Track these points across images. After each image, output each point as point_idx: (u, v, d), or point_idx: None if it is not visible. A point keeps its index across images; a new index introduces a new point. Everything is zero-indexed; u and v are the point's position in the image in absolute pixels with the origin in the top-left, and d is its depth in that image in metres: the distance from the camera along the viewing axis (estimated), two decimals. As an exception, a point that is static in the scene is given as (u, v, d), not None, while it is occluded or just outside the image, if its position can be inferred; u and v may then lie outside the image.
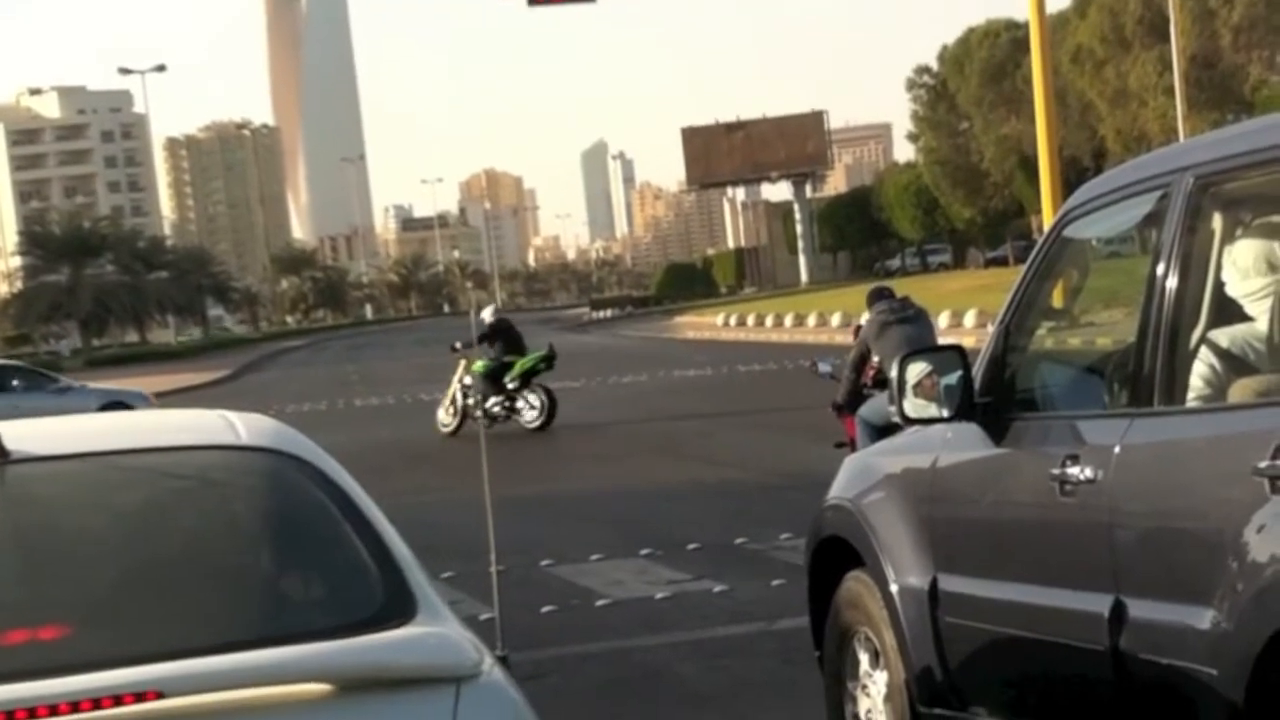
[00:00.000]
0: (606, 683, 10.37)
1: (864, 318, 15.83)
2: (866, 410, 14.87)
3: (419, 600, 4.27)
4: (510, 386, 29.82)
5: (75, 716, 3.69)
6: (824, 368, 16.57)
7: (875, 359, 14.96)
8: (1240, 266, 5.45)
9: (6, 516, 4.50)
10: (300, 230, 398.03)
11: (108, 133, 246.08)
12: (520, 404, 30.03)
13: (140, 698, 3.72)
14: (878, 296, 15.51)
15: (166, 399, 51.56)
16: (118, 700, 3.71)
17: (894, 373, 6.46)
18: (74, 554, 4.39)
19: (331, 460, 4.79)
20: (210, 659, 3.85)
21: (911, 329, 14.67)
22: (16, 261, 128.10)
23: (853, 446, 14.55)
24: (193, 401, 47.43)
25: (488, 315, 32.32)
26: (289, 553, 4.53)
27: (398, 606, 4.22)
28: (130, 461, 4.72)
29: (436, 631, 4.13)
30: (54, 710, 3.68)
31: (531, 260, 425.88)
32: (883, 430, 13.47)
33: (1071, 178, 44.07)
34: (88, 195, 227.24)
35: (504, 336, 30.70)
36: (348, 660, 3.95)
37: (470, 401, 29.63)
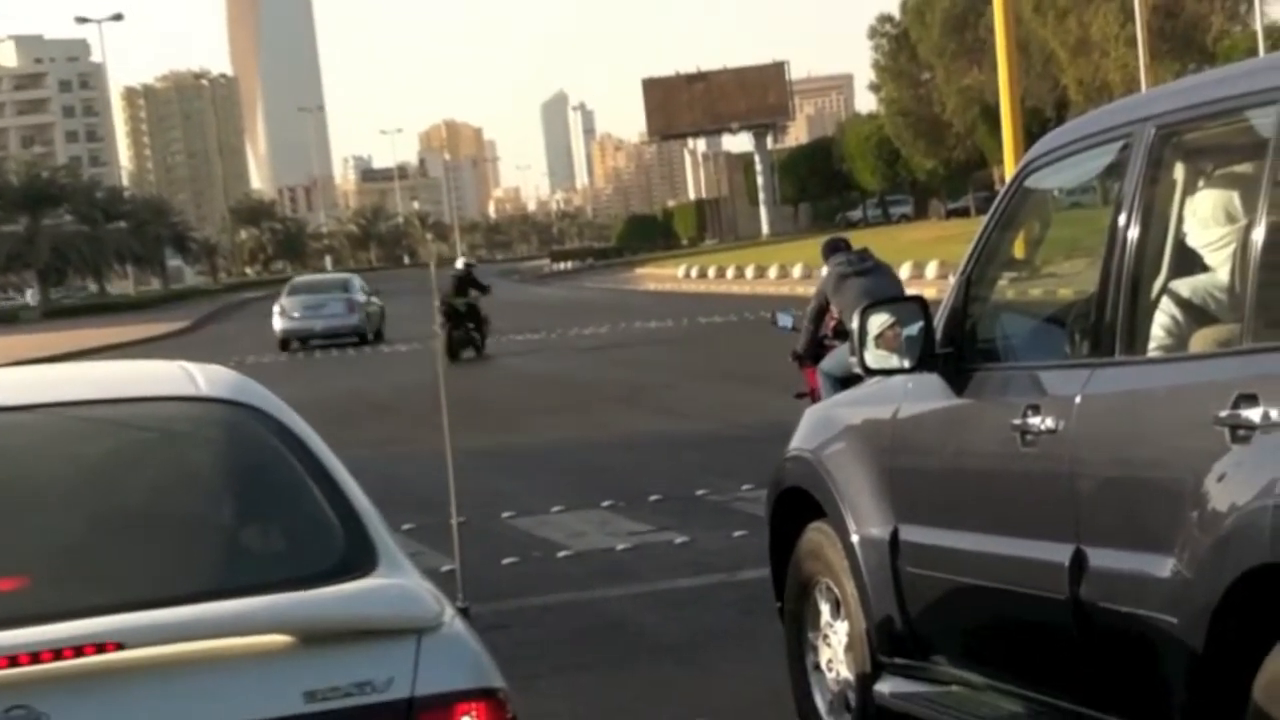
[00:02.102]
0: (568, 633, 10.38)
1: (822, 271, 15.75)
2: (827, 363, 14.81)
3: (379, 552, 4.26)
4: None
5: (35, 667, 3.68)
6: (784, 321, 16.50)
7: (835, 311, 14.92)
8: (1201, 216, 5.45)
9: None
10: (259, 181, 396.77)
11: (65, 82, 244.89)
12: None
13: (100, 648, 3.71)
14: (834, 249, 15.42)
15: (126, 350, 51.36)
16: (78, 651, 3.70)
17: (855, 324, 6.46)
18: (33, 505, 4.37)
19: (291, 412, 4.76)
20: (170, 610, 3.84)
21: (870, 280, 14.56)
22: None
23: (814, 398, 14.50)
24: (153, 353, 47.26)
25: (460, 264, 40.11)
26: (249, 504, 4.52)
27: (358, 558, 4.21)
28: (89, 412, 4.69)
29: (397, 583, 4.12)
30: (13, 661, 3.67)
31: (492, 212, 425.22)
32: (844, 382, 13.28)
33: (1034, 128, 44.09)
34: (45, 145, 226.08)
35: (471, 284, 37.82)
36: (308, 612, 3.95)
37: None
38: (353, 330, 49.74)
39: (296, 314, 49.79)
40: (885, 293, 13.61)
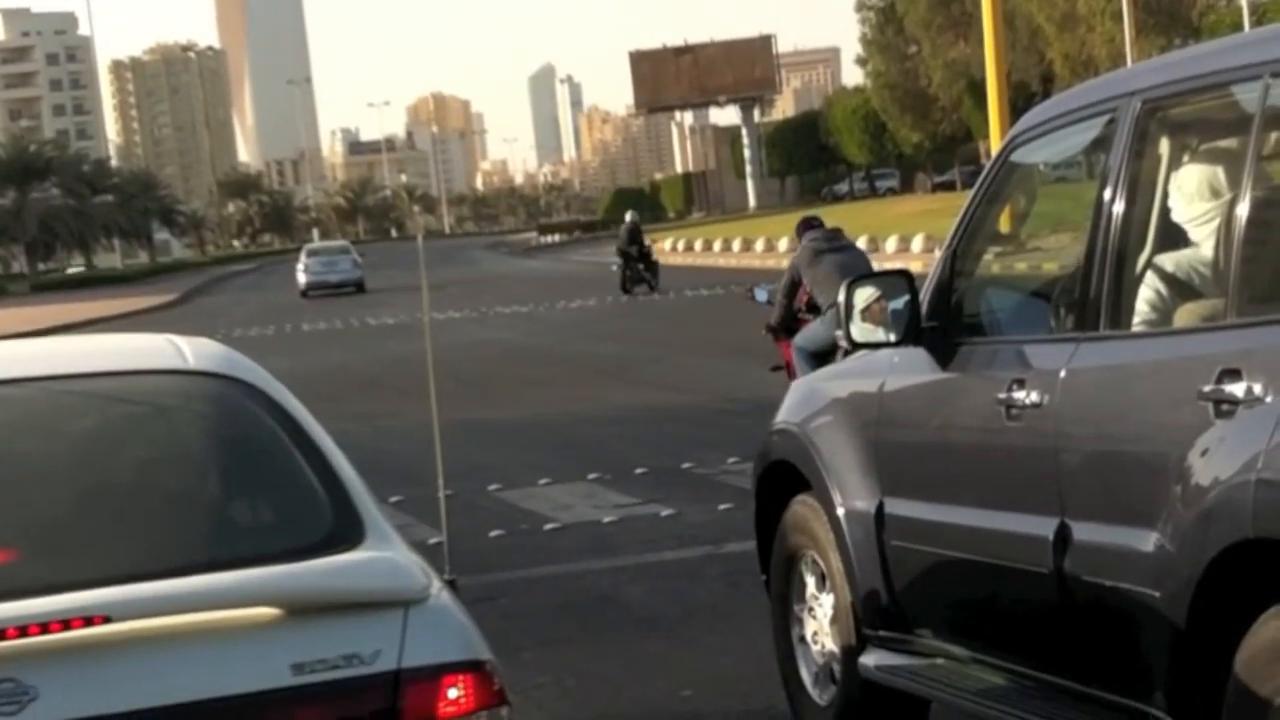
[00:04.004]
0: (555, 606, 10.40)
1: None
2: (801, 338, 15.04)
3: (367, 525, 4.28)
4: None
5: (23, 640, 3.70)
6: (760, 295, 16.61)
7: (807, 286, 15.15)
8: (1185, 191, 5.46)
9: None
10: (246, 154, 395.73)
11: (52, 55, 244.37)
12: None
13: (88, 622, 3.73)
14: (807, 226, 15.67)
15: (114, 324, 51.40)
16: (66, 624, 3.72)
17: (841, 297, 6.46)
18: (22, 479, 4.39)
19: (279, 385, 4.77)
20: (158, 583, 3.86)
21: (843, 258, 14.86)
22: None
23: (789, 371, 14.76)
24: (141, 326, 47.23)
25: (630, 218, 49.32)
26: (237, 478, 4.53)
27: (345, 531, 4.23)
28: (78, 386, 4.71)
29: (384, 556, 4.14)
30: (1, 634, 3.69)
31: (479, 184, 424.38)
32: (817, 356, 14.06)
33: (1019, 102, 44.12)
34: (32, 118, 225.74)
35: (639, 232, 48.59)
36: (295, 584, 3.97)
37: None
38: (355, 282, 66.89)
39: (317, 270, 67.88)
40: (857, 269, 13.82)
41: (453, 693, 3.93)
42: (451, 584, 4.45)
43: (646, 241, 48.70)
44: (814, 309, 15.02)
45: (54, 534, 4.21)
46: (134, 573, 3.92)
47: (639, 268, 47.78)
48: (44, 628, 3.71)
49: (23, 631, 3.70)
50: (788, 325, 15.38)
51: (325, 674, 3.86)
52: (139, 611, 3.80)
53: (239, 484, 4.51)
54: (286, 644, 3.88)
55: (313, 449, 4.50)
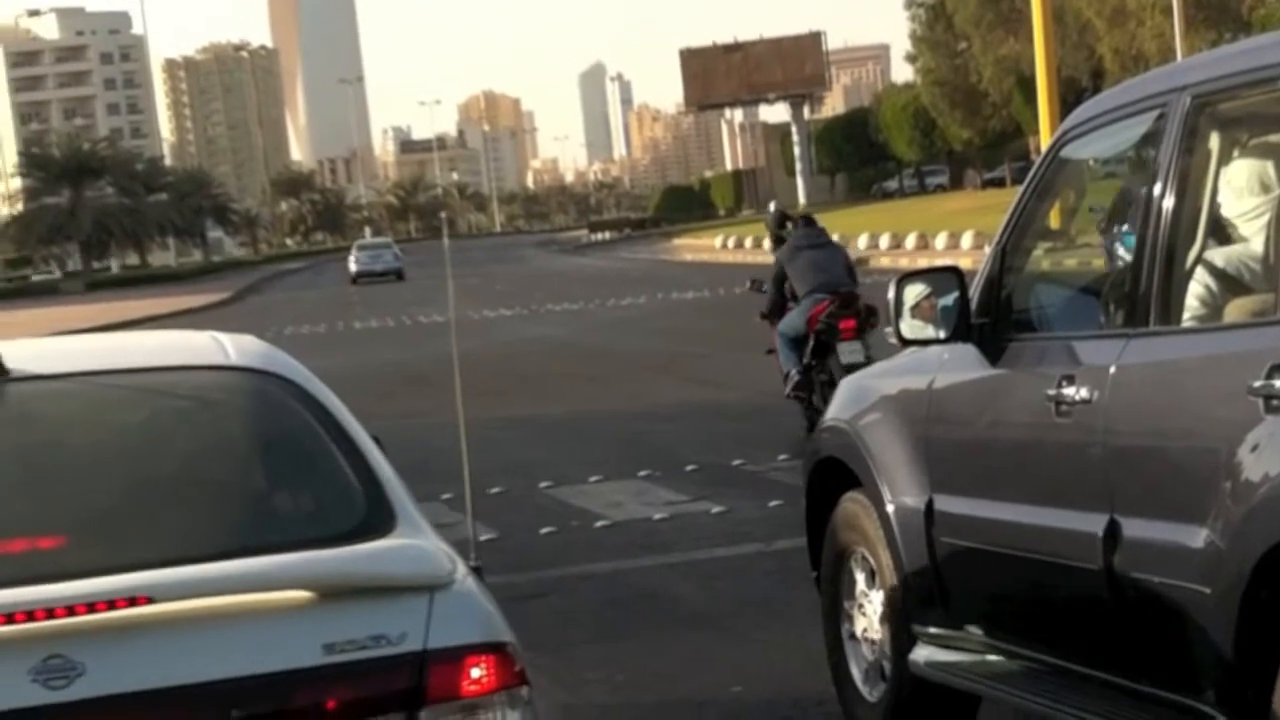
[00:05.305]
0: (605, 602, 10.42)
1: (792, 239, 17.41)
2: (783, 325, 16.59)
3: (398, 514, 4.47)
4: None
5: (71, 619, 3.88)
6: (767, 286, 17.60)
7: (789, 277, 16.73)
8: (1235, 186, 5.45)
9: (7, 432, 4.70)
10: (299, 152, 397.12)
11: (106, 54, 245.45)
12: None
13: (132, 602, 3.90)
14: (780, 220, 18.03)
15: (167, 321, 51.66)
16: (111, 604, 3.90)
17: (891, 294, 6.47)
18: (71, 468, 4.58)
19: (317, 380, 4.96)
20: (198, 567, 4.05)
21: (820, 254, 16.64)
22: (17, 184, 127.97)
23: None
24: (195, 324, 47.44)
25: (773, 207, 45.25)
26: (275, 468, 4.74)
27: (377, 520, 4.42)
28: (125, 380, 4.91)
29: (412, 543, 4.32)
30: (51, 613, 3.87)
31: (530, 183, 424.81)
32: (794, 341, 16.37)
33: (1069, 98, 43.95)
34: (87, 117, 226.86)
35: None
36: (328, 569, 4.15)
37: None
38: (395, 271, 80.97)
39: (364, 261, 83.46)
40: (833, 265, 16.53)
41: (475, 672, 4.10)
42: (477, 570, 4.59)
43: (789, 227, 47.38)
44: (794, 298, 16.57)
45: (101, 521, 4.41)
46: (176, 557, 4.11)
47: None
48: (90, 607, 3.89)
49: (70, 611, 3.88)
50: (779, 312, 16.87)
51: (354, 654, 4.03)
52: (180, 593, 3.98)
53: (276, 474, 4.72)
54: (318, 625, 4.07)
55: (348, 442, 4.68)
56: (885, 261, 50.14)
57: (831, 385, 14.72)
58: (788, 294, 16.72)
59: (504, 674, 4.14)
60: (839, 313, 16.03)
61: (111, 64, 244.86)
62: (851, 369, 13.81)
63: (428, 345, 31.63)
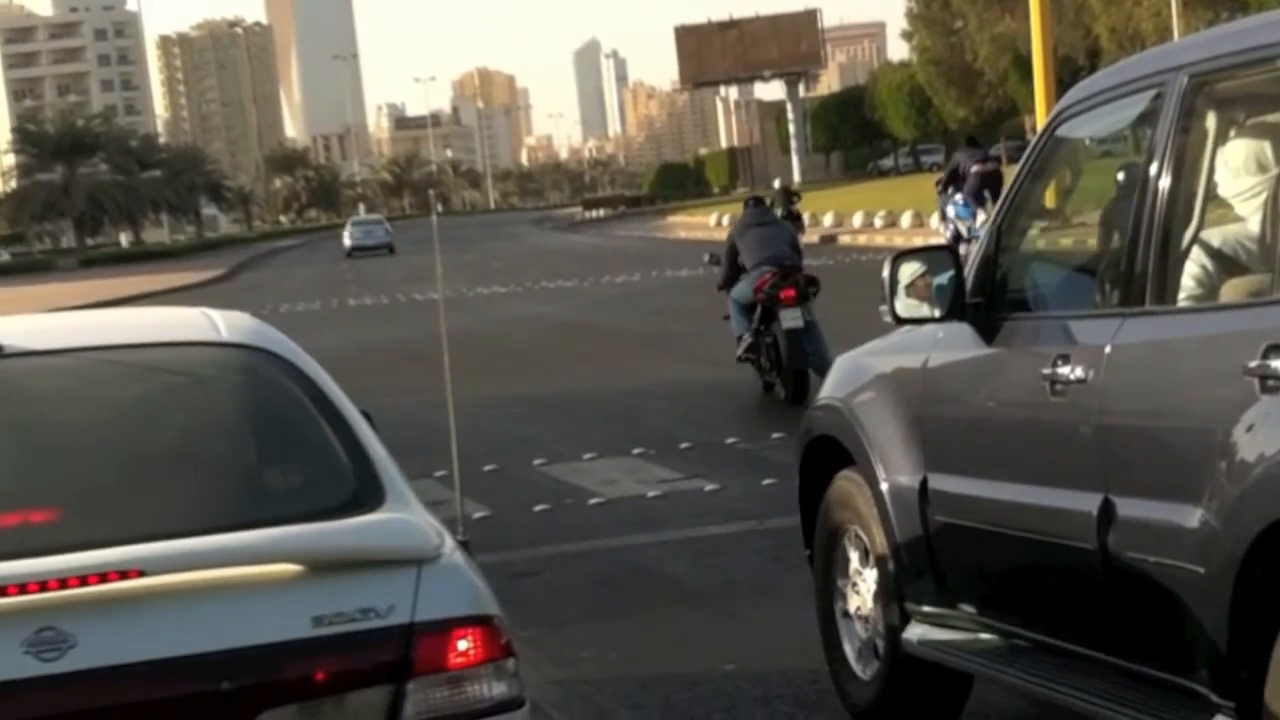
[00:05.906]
0: (599, 580, 10.42)
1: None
2: (734, 293, 18.53)
3: (387, 489, 4.53)
4: None
5: (63, 592, 3.94)
6: (723, 261, 19.36)
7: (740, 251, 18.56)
8: (1232, 166, 5.44)
9: (1, 407, 4.74)
10: (293, 129, 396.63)
11: (100, 30, 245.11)
12: None
13: (123, 575, 3.97)
14: (753, 202, 19.69)
15: (161, 298, 51.58)
16: (103, 577, 3.96)
17: (885, 272, 6.46)
18: (63, 444, 4.63)
19: (307, 357, 5.02)
20: (188, 540, 4.11)
21: (767, 230, 18.63)
22: (10, 160, 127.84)
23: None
24: (188, 301, 47.36)
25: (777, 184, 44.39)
26: (266, 444, 4.78)
27: (366, 495, 4.48)
28: (117, 356, 4.95)
29: (400, 517, 4.38)
30: (44, 586, 3.93)
31: (524, 160, 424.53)
32: (746, 307, 18.17)
33: (1065, 77, 43.93)
34: (81, 94, 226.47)
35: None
36: (317, 542, 4.21)
37: None
38: (387, 245, 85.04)
39: (358, 236, 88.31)
40: (778, 241, 18.47)
41: (462, 645, 4.18)
42: (465, 545, 4.64)
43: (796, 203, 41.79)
44: (743, 269, 18.41)
45: (93, 495, 4.46)
46: (167, 531, 4.16)
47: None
48: (82, 580, 3.95)
49: (63, 584, 3.94)
50: (731, 284, 18.71)
51: (343, 626, 4.10)
52: (171, 566, 4.04)
53: (267, 450, 4.76)
54: (307, 598, 4.14)
55: (337, 418, 4.74)
56: (880, 240, 50.13)
57: (775, 348, 17.77)
58: (741, 267, 18.56)
59: (491, 646, 4.21)
60: (780, 283, 17.75)
61: (105, 40, 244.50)
62: (792, 333, 17.30)
63: (423, 322, 31.59)
